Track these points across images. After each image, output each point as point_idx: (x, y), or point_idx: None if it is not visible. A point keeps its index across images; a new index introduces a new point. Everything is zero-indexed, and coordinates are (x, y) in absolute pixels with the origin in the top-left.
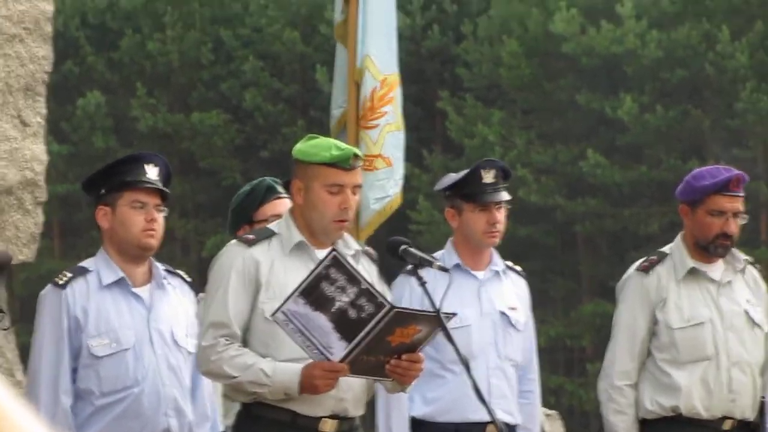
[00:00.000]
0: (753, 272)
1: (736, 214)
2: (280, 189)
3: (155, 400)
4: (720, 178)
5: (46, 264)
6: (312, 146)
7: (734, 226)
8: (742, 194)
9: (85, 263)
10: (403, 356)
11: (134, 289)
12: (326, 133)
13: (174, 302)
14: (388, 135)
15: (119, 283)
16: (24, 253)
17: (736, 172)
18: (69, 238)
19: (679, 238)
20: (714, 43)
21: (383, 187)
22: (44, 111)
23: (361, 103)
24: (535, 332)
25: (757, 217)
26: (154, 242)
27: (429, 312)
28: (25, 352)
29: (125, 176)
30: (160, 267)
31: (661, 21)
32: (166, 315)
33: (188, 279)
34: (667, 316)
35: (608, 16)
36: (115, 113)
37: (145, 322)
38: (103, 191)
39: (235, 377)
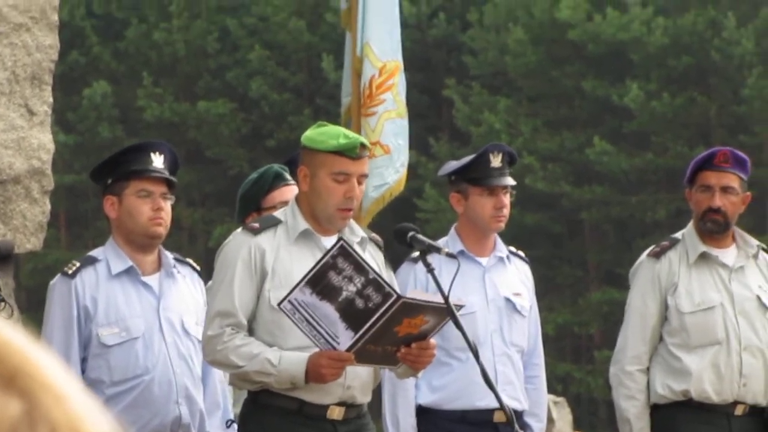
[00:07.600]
0: (766, 257)
1: (725, 189)
2: (287, 176)
3: (166, 389)
4: (704, 153)
5: (53, 254)
6: (320, 133)
7: (721, 200)
8: (732, 170)
9: (94, 253)
10: (413, 344)
11: (144, 278)
12: (334, 121)
13: (184, 291)
14: (386, 122)
15: (128, 272)
16: (31, 242)
17: (726, 148)
18: (75, 229)
19: (690, 223)
20: (720, 29)
21: (381, 174)
22: (50, 100)
23: (361, 91)
24: (540, 318)
25: (764, 204)
26: (162, 230)
27: (437, 303)
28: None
29: (131, 165)
30: (169, 256)
31: (667, 8)
32: (176, 303)
33: (197, 268)
34: (677, 301)
35: (614, 3)
36: (121, 103)
37: (155, 311)
38: (109, 181)
39: (241, 367)
